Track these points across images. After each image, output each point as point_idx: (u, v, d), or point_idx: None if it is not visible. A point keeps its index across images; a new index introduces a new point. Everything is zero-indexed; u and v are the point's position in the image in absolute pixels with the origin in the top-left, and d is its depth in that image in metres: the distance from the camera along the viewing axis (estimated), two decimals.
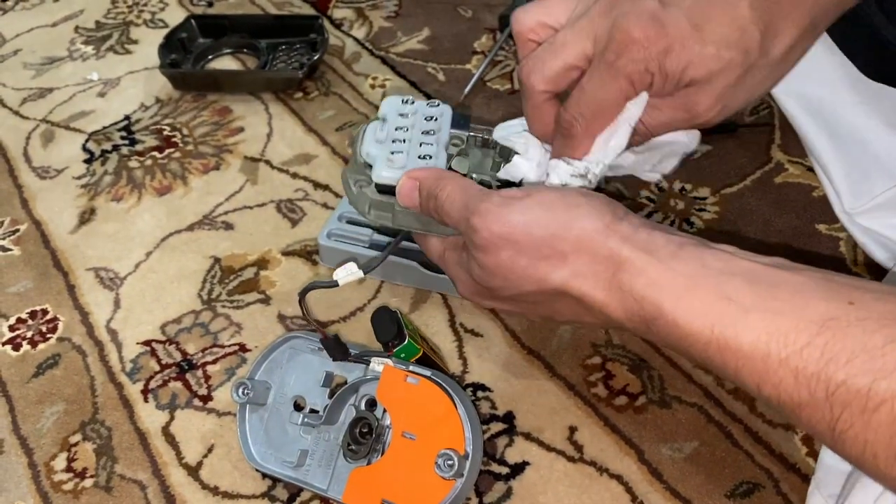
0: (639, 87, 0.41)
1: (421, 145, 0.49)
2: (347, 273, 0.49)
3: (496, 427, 0.61)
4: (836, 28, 0.51)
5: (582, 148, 0.44)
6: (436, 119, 0.51)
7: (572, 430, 0.60)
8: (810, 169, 0.79)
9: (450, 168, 0.49)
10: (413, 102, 0.52)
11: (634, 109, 0.42)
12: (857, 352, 0.31)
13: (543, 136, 0.47)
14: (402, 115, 0.51)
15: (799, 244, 0.73)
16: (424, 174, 0.46)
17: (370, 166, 0.48)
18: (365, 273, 0.50)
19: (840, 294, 0.33)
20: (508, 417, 0.61)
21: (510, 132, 0.49)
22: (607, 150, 0.44)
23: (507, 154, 0.49)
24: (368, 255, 0.70)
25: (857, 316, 0.32)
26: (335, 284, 0.49)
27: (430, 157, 0.48)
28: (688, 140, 0.46)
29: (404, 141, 0.49)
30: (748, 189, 0.79)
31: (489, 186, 0.48)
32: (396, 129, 0.50)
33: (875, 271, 0.69)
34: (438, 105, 0.52)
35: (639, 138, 0.45)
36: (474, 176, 0.49)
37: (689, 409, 0.61)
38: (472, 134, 0.51)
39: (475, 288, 0.45)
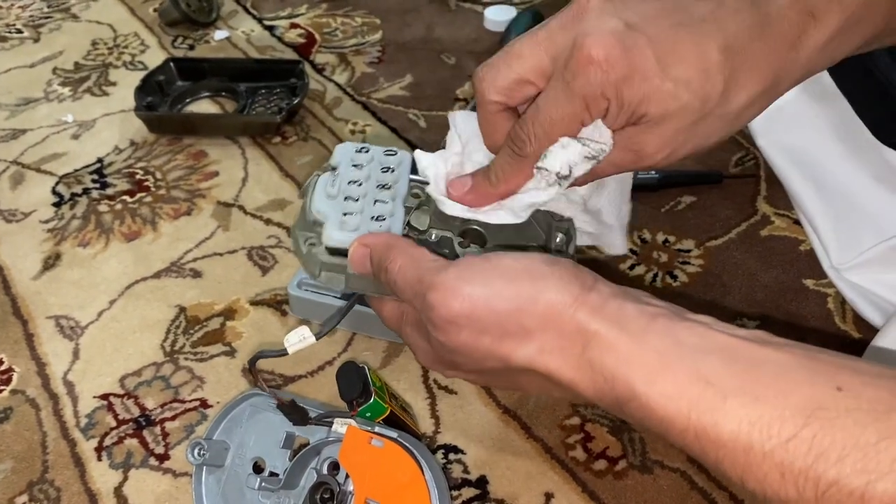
0: (594, 112, 0.38)
1: (375, 203, 0.45)
2: (299, 339, 0.46)
3: (468, 493, 0.57)
4: (850, 88, 0.48)
5: (527, 172, 0.41)
6: (392, 170, 0.47)
7: (548, 496, 0.57)
8: (797, 222, 0.77)
9: (408, 225, 0.46)
10: (368, 151, 0.48)
11: (590, 132, 0.39)
12: (848, 448, 0.28)
13: (495, 149, 0.43)
14: (355, 165, 0.47)
15: (786, 300, 0.70)
16: (375, 241, 0.42)
17: (321, 224, 0.45)
18: (318, 339, 0.46)
19: (826, 376, 0.31)
20: (481, 482, 0.58)
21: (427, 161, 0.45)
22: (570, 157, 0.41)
23: None
24: (339, 305, 0.67)
25: (847, 406, 0.29)
26: (285, 353, 0.46)
27: (385, 219, 0.44)
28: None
29: (357, 199, 0.45)
30: (733, 242, 0.77)
31: (450, 241, 0.46)
32: (349, 184, 0.46)
33: (864, 328, 0.67)
34: (396, 153, 0.48)
35: (586, 178, 0.42)
36: (434, 232, 0.46)
37: (671, 474, 0.58)
38: None
39: (436, 358, 0.42)
